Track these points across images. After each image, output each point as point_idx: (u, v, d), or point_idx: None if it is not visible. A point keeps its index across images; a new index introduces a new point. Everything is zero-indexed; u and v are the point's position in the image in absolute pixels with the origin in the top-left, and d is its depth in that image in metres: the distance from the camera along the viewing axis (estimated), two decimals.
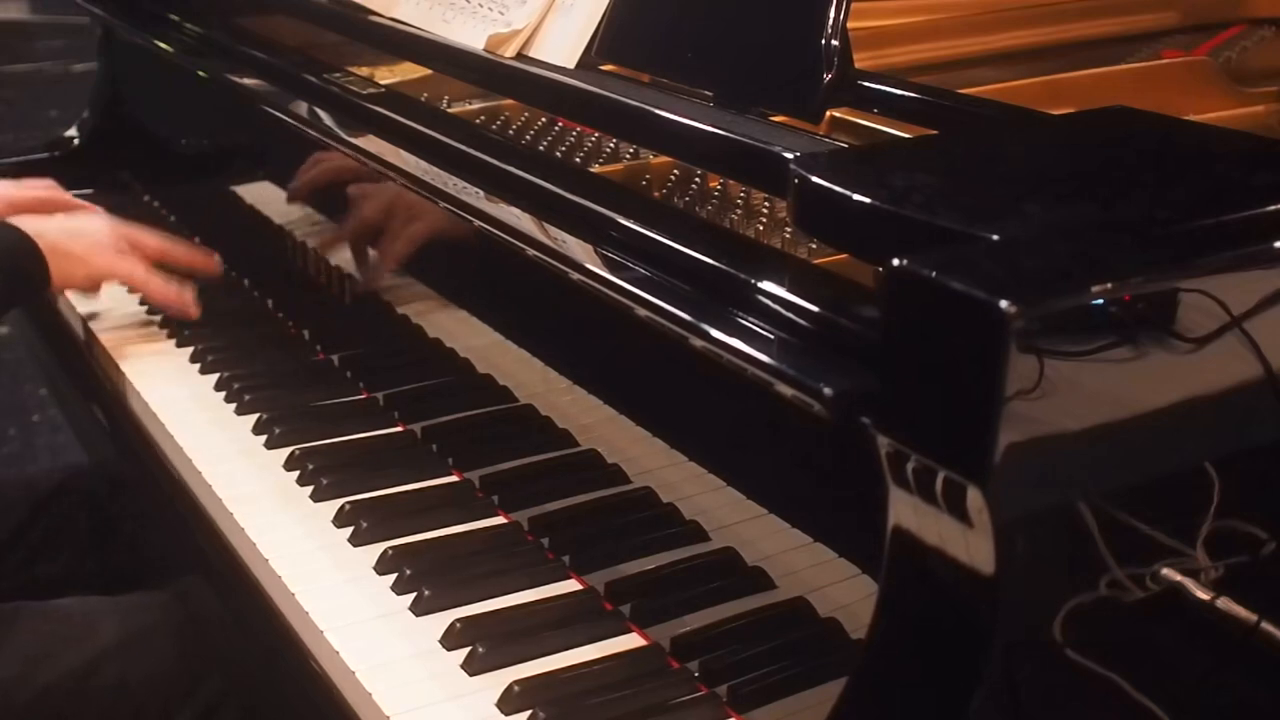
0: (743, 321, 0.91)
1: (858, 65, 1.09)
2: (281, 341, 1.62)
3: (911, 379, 0.75)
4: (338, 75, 1.51)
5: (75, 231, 1.55)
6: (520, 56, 1.31)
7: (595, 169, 1.27)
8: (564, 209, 1.12)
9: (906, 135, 1.08)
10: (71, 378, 1.72)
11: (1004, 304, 0.68)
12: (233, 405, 1.44)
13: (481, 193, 1.19)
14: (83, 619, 1.38)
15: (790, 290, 0.91)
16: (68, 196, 1.74)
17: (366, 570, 1.16)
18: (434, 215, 1.36)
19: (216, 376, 1.49)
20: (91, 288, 1.60)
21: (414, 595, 1.11)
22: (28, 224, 1.51)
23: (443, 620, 1.08)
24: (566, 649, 1.06)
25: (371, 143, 1.35)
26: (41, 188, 1.71)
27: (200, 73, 1.74)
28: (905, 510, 0.79)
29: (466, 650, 1.05)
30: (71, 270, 1.53)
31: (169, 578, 1.47)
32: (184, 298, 1.59)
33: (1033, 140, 0.98)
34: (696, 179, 1.23)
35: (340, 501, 1.24)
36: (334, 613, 1.11)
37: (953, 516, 0.75)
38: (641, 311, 0.98)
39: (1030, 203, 0.82)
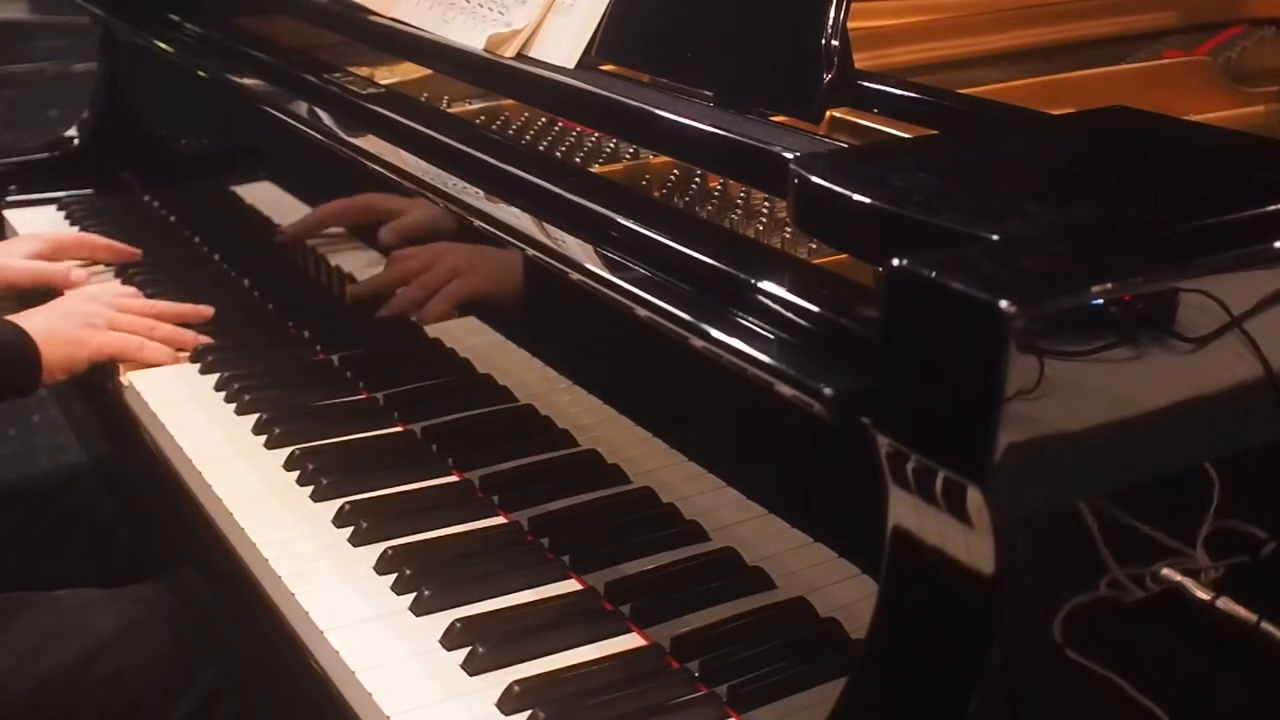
0: (743, 321, 0.91)
1: (858, 65, 1.10)
2: (281, 341, 1.62)
3: (911, 379, 0.75)
4: (338, 75, 1.51)
5: (63, 316, 1.53)
6: (520, 56, 1.31)
7: (595, 169, 1.27)
8: (564, 209, 1.12)
9: (906, 135, 1.08)
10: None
11: (1004, 304, 0.68)
12: (233, 405, 1.44)
13: (481, 193, 1.19)
14: (80, 611, 1.38)
15: (790, 290, 0.90)
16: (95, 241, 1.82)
17: (366, 570, 1.16)
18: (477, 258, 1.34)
19: (216, 376, 1.49)
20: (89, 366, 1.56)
21: (414, 595, 1.11)
22: (19, 319, 1.49)
23: (442, 620, 1.08)
24: (566, 649, 1.05)
25: (371, 143, 1.35)
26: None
27: (200, 73, 1.74)
28: (905, 510, 0.79)
29: (466, 650, 1.05)
30: (68, 355, 1.50)
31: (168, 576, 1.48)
32: (183, 347, 1.56)
33: (1032, 140, 0.98)
34: (696, 179, 1.23)
35: (340, 501, 1.24)
36: (334, 613, 1.11)
37: (953, 516, 0.75)
38: (641, 311, 0.98)
39: (1030, 203, 0.82)
